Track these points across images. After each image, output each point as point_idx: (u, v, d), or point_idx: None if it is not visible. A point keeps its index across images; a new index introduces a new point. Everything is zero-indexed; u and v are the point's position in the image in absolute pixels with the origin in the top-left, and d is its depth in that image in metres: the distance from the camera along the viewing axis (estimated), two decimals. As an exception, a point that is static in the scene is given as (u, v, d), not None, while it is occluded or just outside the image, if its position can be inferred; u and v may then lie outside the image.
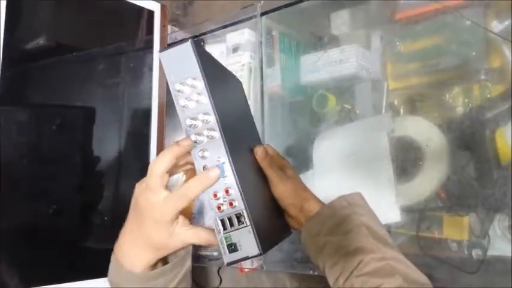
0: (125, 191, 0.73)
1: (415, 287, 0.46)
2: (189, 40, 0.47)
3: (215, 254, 0.90)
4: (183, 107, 0.47)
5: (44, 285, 0.61)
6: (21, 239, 0.61)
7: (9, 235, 0.59)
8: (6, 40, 0.59)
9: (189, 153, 0.48)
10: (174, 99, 0.48)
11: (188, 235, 0.50)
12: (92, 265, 0.67)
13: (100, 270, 0.66)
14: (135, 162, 0.75)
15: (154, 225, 0.49)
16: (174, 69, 0.47)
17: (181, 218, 0.50)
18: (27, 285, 0.59)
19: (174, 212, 0.48)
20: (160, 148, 0.75)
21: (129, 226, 0.52)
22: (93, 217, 0.69)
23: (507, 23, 0.68)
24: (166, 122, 0.78)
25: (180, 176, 0.56)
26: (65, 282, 0.62)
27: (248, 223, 0.46)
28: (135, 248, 0.51)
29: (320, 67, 0.85)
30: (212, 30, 0.94)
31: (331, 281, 0.50)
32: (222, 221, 0.47)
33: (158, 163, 0.47)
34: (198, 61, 0.46)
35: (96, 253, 0.68)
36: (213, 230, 0.49)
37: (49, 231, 0.64)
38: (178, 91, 0.47)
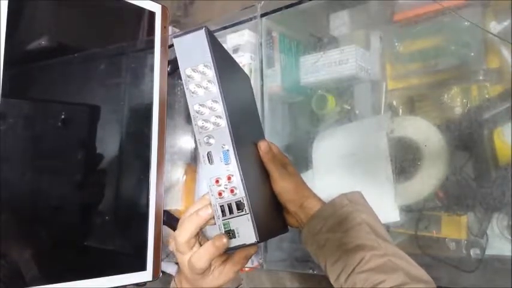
0: (126, 190, 0.73)
1: (418, 284, 0.46)
2: (204, 27, 0.47)
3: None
4: (193, 93, 0.48)
5: (44, 284, 0.60)
6: (21, 236, 0.61)
7: (8, 233, 0.59)
8: (7, 41, 0.59)
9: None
10: (184, 84, 0.48)
11: (228, 274, 0.53)
12: (93, 265, 0.67)
13: (100, 270, 0.66)
14: (136, 162, 0.75)
15: (195, 279, 0.53)
16: (187, 55, 0.48)
17: (218, 262, 0.53)
18: (26, 285, 0.59)
19: (198, 272, 0.50)
20: (161, 148, 0.75)
21: (183, 269, 0.55)
22: (93, 216, 0.69)
23: (506, 23, 0.69)
24: (167, 122, 0.79)
25: (180, 178, 0.56)
26: (65, 282, 0.62)
27: (248, 211, 0.47)
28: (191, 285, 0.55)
29: (319, 68, 0.86)
30: (212, 31, 0.95)
31: (332, 279, 0.50)
32: (222, 207, 0.48)
33: (182, 232, 0.50)
34: (210, 49, 0.47)
35: (97, 253, 0.68)
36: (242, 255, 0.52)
37: (49, 229, 0.64)
38: (189, 77, 0.48)
